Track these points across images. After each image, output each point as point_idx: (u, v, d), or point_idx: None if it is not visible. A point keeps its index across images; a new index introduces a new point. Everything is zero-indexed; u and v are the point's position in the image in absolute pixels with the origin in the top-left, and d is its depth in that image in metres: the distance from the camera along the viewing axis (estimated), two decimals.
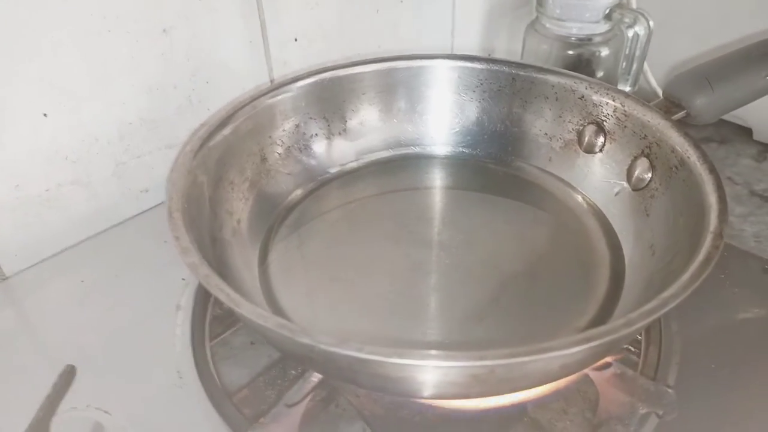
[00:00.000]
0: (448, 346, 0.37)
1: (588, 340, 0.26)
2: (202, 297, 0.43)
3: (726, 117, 0.62)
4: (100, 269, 0.47)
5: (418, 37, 0.65)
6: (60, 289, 0.46)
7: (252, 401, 0.38)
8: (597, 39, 0.59)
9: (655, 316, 0.28)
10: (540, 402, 0.37)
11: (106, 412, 0.37)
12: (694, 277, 0.30)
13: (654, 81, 0.63)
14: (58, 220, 0.48)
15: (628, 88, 0.63)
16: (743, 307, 0.44)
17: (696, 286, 0.29)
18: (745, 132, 0.62)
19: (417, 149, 0.52)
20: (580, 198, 0.48)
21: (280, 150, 0.48)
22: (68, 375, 0.38)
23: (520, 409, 0.37)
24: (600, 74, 0.65)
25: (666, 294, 0.29)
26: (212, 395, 0.38)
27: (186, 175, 0.37)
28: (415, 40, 0.64)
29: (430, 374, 0.28)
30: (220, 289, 0.29)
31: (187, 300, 0.44)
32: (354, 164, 0.51)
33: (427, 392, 0.30)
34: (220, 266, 0.38)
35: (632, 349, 0.40)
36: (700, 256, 0.31)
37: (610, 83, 0.58)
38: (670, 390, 0.35)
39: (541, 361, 0.26)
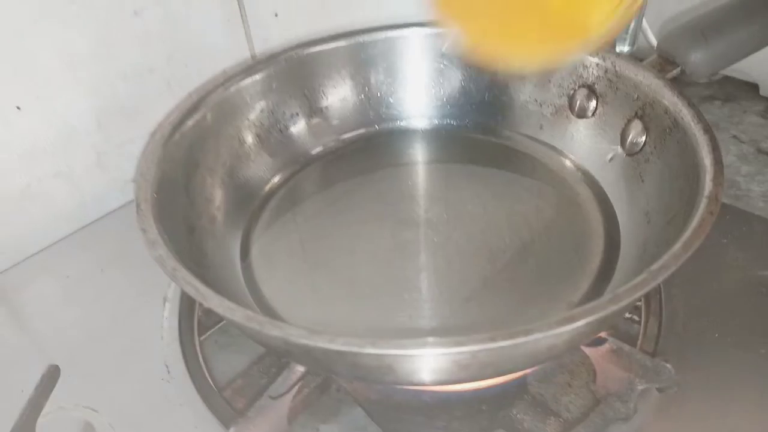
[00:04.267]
0: (436, 329, 0.36)
1: (572, 320, 0.25)
2: None
3: (731, 73, 0.60)
4: (85, 264, 0.46)
5: (405, 6, 0.62)
6: (44, 286, 0.45)
7: (244, 393, 0.37)
8: None
9: (643, 291, 0.26)
10: (541, 378, 0.36)
11: (93, 410, 0.37)
12: (687, 246, 0.28)
13: (653, 39, 0.60)
14: (41, 216, 0.48)
15: (627, 48, 0.61)
16: (748, 272, 0.42)
17: (688, 257, 0.28)
18: (752, 88, 0.60)
19: (402, 124, 0.50)
20: (573, 166, 0.46)
21: (258, 132, 0.46)
22: (52, 375, 0.37)
23: (521, 386, 0.36)
24: None
25: (656, 266, 0.27)
26: (201, 389, 0.37)
27: (156, 163, 0.36)
28: (401, 9, 0.62)
29: (408, 363, 0.27)
30: (188, 283, 0.28)
31: (174, 292, 0.43)
32: (337, 143, 0.50)
33: (408, 380, 0.29)
34: (199, 256, 0.37)
35: (635, 318, 0.39)
36: (694, 223, 0.29)
37: (608, 44, 0.56)
38: (668, 365, 0.33)
39: (523, 344, 0.25)
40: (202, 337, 0.40)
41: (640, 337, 0.38)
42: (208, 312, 0.41)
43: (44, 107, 0.45)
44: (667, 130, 0.38)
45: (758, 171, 0.52)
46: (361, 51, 0.48)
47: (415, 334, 0.35)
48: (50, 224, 0.48)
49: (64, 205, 0.49)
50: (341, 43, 0.48)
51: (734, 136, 0.56)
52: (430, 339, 0.25)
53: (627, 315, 0.39)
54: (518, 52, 0.34)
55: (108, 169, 0.50)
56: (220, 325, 0.41)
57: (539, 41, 0.34)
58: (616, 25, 0.32)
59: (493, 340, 0.24)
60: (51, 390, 0.36)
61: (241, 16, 0.52)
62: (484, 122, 0.49)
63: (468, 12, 0.35)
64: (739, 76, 0.60)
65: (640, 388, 0.33)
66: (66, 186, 0.48)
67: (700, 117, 0.36)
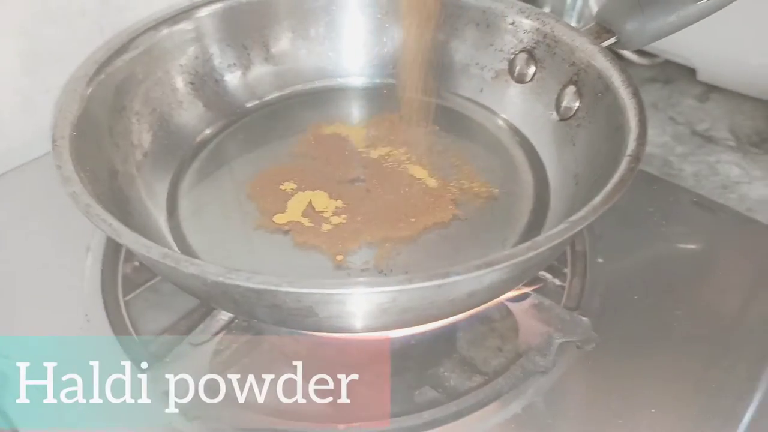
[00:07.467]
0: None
1: (490, 264, 0.25)
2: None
3: (670, 57, 0.62)
4: (6, 211, 0.45)
5: None
6: None
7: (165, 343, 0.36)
8: None
9: (560, 239, 0.27)
10: (472, 341, 0.37)
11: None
12: (606, 199, 0.29)
13: (595, 7, 0.61)
14: None
15: (574, 24, 0.62)
16: (670, 239, 0.44)
17: (606, 209, 0.28)
18: (690, 72, 0.61)
19: (341, 80, 0.49)
20: (509, 129, 0.46)
21: (192, 80, 0.44)
22: None
23: (449, 345, 0.37)
24: (547, 9, 0.63)
25: (575, 217, 0.28)
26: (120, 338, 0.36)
27: (78, 101, 0.34)
28: None
29: (328, 304, 0.27)
30: (102, 219, 0.27)
31: (97, 241, 0.42)
32: (275, 97, 0.48)
33: (330, 325, 0.28)
34: (122, 201, 0.36)
35: (557, 282, 0.40)
36: (614, 179, 0.30)
37: None
38: (584, 319, 0.34)
39: (443, 287, 0.25)
40: (129, 297, 0.39)
41: (564, 297, 0.39)
42: (137, 269, 0.40)
43: None
44: (599, 94, 0.39)
45: (691, 152, 0.55)
46: (303, 2, 0.47)
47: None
48: None
49: None
50: None
51: (671, 118, 0.58)
52: (349, 279, 0.24)
53: (552, 278, 0.40)
54: None
55: (33, 114, 0.48)
56: (148, 284, 0.40)
57: None
58: None
59: (410, 281, 0.24)
60: None
61: None
62: (426, 83, 0.49)
63: None
64: (678, 60, 0.62)
65: (558, 341, 0.34)
66: None
67: (630, 81, 0.36)
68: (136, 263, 0.41)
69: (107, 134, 0.37)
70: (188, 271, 0.25)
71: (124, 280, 0.40)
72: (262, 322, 0.33)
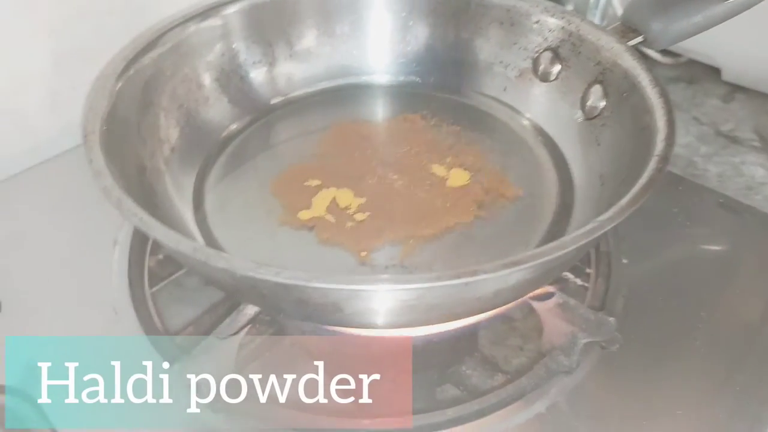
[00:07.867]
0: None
1: (517, 263, 0.25)
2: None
3: (695, 56, 0.61)
4: (34, 204, 0.45)
5: None
6: None
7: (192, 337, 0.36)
8: None
9: (588, 239, 0.26)
10: (494, 340, 0.37)
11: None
12: (634, 200, 0.28)
13: (619, 8, 0.60)
14: None
15: (597, 23, 0.61)
16: (695, 241, 0.44)
17: (634, 209, 0.28)
18: (714, 72, 0.60)
19: (365, 78, 0.50)
20: (533, 128, 0.46)
21: (218, 76, 0.45)
22: None
23: (471, 344, 0.37)
24: (569, 8, 0.63)
25: (602, 217, 0.27)
26: (148, 330, 0.37)
27: (107, 97, 0.35)
28: None
29: (355, 300, 0.27)
30: (133, 213, 0.28)
31: (125, 235, 0.42)
32: (299, 94, 0.49)
33: (357, 321, 0.29)
34: (150, 195, 0.36)
35: (580, 282, 0.40)
36: (642, 180, 0.30)
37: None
38: (610, 319, 0.34)
39: (469, 285, 0.25)
40: (154, 289, 0.40)
41: (588, 297, 0.39)
42: (162, 262, 0.41)
43: None
44: (625, 94, 0.39)
45: (715, 152, 0.54)
46: (328, 1, 0.47)
47: None
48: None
49: (14, 144, 0.47)
50: None
51: (695, 118, 0.58)
52: (376, 276, 0.25)
53: (575, 278, 0.40)
54: None
55: (62, 110, 0.49)
56: (172, 277, 0.40)
57: None
58: None
59: (438, 279, 0.24)
60: None
61: None
62: (449, 81, 0.49)
63: None
64: (703, 60, 0.61)
65: (582, 341, 0.34)
66: (17, 125, 0.47)
67: (656, 81, 0.36)
68: (161, 256, 0.41)
69: (135, 130, 0.38)
70: (218, 265, 0.25)
71: (149, 273, 0.40)
72: (287, 317, 0.33)
